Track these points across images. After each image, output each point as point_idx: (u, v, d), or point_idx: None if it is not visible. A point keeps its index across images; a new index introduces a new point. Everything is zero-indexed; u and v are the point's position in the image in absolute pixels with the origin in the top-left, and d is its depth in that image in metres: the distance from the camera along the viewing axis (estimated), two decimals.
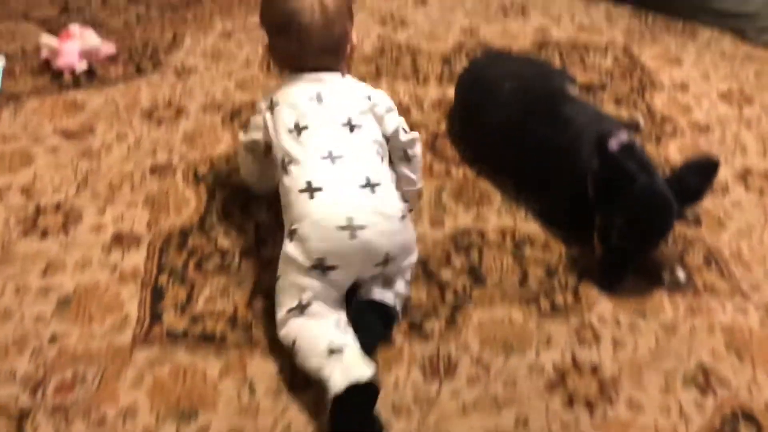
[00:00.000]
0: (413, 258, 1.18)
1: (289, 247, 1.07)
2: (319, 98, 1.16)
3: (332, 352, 1.00)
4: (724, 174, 1.56)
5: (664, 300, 1.25)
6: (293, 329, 1.05)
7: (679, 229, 1.40)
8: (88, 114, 1.58)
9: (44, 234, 1.28)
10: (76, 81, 1.68)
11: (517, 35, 2.07)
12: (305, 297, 1.05)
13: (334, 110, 1.16)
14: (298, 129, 1.12)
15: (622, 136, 1.32)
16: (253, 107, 1.64)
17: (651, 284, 1.27)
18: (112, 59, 1.77)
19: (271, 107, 1.17)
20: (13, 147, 1.47)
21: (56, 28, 1.84)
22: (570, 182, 1.33)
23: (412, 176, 1.26)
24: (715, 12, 2.15)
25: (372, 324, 1.10)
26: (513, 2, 2.26)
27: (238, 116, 1.62)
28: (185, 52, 1.84)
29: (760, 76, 1.96)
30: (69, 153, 1.46)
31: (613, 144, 1.29)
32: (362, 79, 1.76)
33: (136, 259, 1.24)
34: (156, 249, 1.27)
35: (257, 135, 1.19)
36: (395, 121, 1.22)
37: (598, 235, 1.27)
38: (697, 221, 1.42)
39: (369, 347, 1.05)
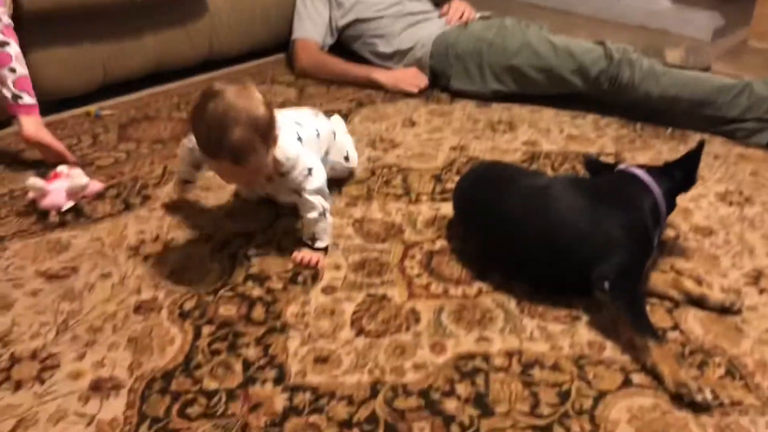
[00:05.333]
0: None
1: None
2: None
3: None
4: (735, 278, 1.50)
5: (690, 421, 1.14)
6: None
7: (695, 338, 1.32)
8: (72, 254, 1.54)
9: (18, 385, 1.19)
10: (62, 220, 1.65)
11: (506, 150, 2.07)
12: None
13: None
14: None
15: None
16: (242, 237, 1.61)
17: (672, 406, 1.18)
18: (99, 196, 1.75)
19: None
20: None
21: (46, 169, 1.84)
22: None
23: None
24: (703, 118, 2.17)
25: None
26: (500, 118, 2.29)
27: (227, 247, 1.58)
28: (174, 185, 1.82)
29: (757, 175, 1.94)
30: (50, 296, 1.41)
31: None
32: (354, 200, 1.76)
33: (116, 407, 1.15)
34: (137, 395, 1.18)
35: None
36: None
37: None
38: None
39: None
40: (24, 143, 1.87)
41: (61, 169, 1.74)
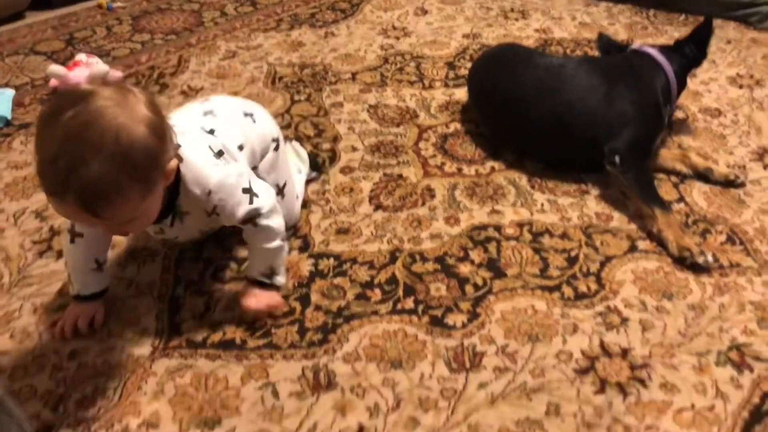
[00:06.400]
0: None
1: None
2: None
3: None
4: (741, 155, 1.54)
5: (690, 281, 1.22)
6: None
7: (699, 209, 1.38)
8: None
9: (59, 254, 1.27)
10: None
11: (519, 37, 2.07)
12: None
13: None
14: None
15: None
16: None
17: (675, 268, 1.25)
18: None
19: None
20: (26, 173, 1.47)
21: (63, 60, 1.87)
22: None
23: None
24: (716, 3, 2.15)
25: None
26: (513, 6, 2.27)
27: None
28: (191, 73, 1.85)
29: None
30: None
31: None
32: (368, 87, 1.79)
33: (152, 272, 1.23)
34: (171, 261, 1.26)
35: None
36: None
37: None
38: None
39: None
40: None
41: (80, 57, 1.76)
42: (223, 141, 1.11)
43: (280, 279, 1.15)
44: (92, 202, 0.87)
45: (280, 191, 1.26)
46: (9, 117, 1.64)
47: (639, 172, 1.36)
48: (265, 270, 1.13)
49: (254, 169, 1.19)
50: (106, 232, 1.03)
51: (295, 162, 1.41)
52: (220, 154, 1.08)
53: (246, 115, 1.22)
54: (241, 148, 1.15)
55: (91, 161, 0.84)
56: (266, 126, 1.25)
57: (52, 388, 1.03)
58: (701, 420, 0.99)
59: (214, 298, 1.19)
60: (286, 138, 1.46)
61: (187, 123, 1.12)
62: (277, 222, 1.11)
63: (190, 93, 1.76)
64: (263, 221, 1.09)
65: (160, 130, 0.92)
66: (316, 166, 1.49)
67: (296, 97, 1.76)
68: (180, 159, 1.00)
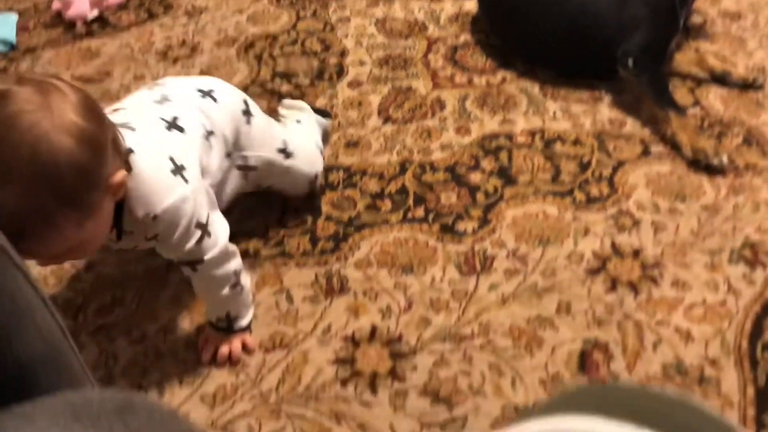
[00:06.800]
0: None
1: None
2: None
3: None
4: (761, 57, 1.50)
5: (704, 183, 1.20)
6: None
7: (715, 113, 1.35)
8: (104, 59, 1.58)
9: None
10: (89, 30, 1.67)
11: None
12: None
13: None
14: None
15: None
16: (266, 39, 1.62)
17: (689, 171, 1.23)
18: (122, 7, 1.75)
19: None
20: None
21: None
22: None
23: None
24: None
25: None
26: None
27: (252, 48, 1.60)
28: None
29: None
30: None
31: None
32: (375, 0, 1.75)
33: None
34: None
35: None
36: None
37: None
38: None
39: None
40: None
41: None
42: (190, 136, 0.93)
43: (243, 323, 0.97)
44: (12, 237, 0.65)
45: (286, 153, 1.09)
46: (14, 42, 1.62)
47: (653, 76, 1.32)
48: (221, 316, 0.96)
49: (229, 155, 1.01)
50: (44, 263, 0.86)
51: (292, 117, 1.25)
52: (180, 169, 0.87)
53: (204, 94, 1.00)
54: (210, 134, 0.96)
55: (4, 186, 0.69)
56: (229, 101, 1.03)
57: (71, 297, 1.06)
58: (712, 314, 1.00)
59: (226, 212, 1.19)
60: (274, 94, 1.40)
61: (143, 115, 0.93)
62: (225, 270, 0.92)
63: (194, 13, 1.73)
64: (204, 270, 0.91)
65: (95, 140, 0.74)
66: (322, 112, 1.33)
67: (302, 13, 1.72)
68: (129, 168, 0.81)
